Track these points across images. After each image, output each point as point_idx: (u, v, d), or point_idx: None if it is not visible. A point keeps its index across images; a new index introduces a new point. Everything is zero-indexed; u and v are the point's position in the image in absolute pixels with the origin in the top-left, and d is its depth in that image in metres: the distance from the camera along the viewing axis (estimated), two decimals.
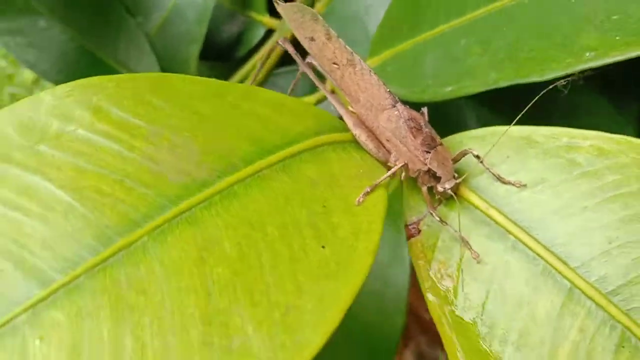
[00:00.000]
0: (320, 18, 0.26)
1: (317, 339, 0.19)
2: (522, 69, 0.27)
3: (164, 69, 0.45)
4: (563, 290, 0.22)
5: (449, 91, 0.29)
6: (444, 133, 0.27)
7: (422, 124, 0.25)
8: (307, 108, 0.26)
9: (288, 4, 0.27)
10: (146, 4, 0.45)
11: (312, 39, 0.26)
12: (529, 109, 0.23)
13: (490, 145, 0.25)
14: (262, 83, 0.43)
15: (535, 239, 0.23)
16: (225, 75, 0.47)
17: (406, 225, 0.25)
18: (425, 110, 0.27)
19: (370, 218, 0.23)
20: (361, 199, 0.23)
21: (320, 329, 0.19)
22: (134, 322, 0.18)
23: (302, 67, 0.28)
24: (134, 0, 0.45)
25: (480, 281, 0.23)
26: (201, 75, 0.26)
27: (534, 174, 0.24)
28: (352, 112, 0.27)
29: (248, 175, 0.22)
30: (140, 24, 0.44)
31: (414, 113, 0.26)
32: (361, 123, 0.26)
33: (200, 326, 0.18)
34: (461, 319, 0.23)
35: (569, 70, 0.25)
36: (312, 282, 0.20)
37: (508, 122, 0.24)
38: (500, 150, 0.25)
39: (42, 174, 0.20)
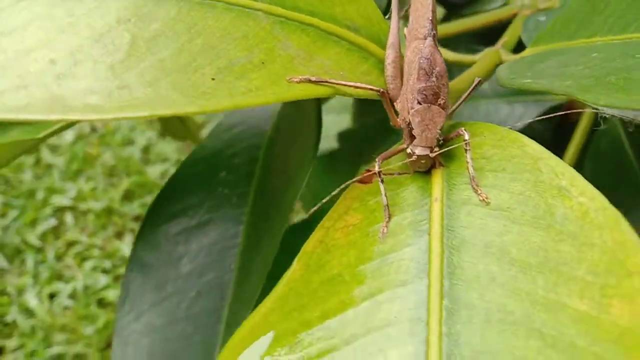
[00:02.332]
0: None
1: None
2: None
3: None
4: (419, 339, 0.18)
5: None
6: None
7: (436, 72, 0.21)
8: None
9: None
10: None
11: None
12: None
13: (504, 149, 0.21)
14: None
15: (446, 260, 0.19)
16: None
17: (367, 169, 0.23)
18: (477, 80, 0.22)
19: None
20: None
21: None
22: None
23: None
24: None
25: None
26: None
27: (506, 198, 0.19)
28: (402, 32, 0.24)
29: None
30: None
31: (439, 58, 0.22)
32: (398, 45, 0.23)
33: None
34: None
35: None
36: None
37: None
38: (503, 157, 0.20)
39: None
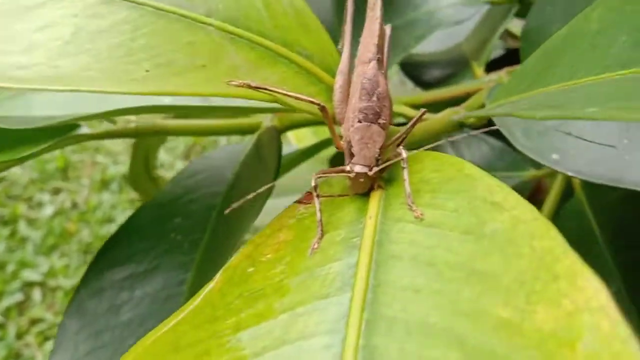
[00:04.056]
0: None
1: None
2: None
3: None
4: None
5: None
6: None
7: (377, 93, 0.21)
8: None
9: None
10: None
11: None
12: None
13: (443, 172, 0.20)
14: None
15: (372, 274, 0.18)
16: None
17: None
18: (422, 110, 0.22)
19: None
20: None
21: None
22: None
23: (350, 5, 0.26)
24: None
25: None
26: None
27: (439, 215, 0.18)
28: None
29: None
30: None
31: (382, 80, 0.22)
32: (347, 72, 0.24)
33: None
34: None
35: None
36: None
37: None
38: (441, 179, 0.20)
39: None
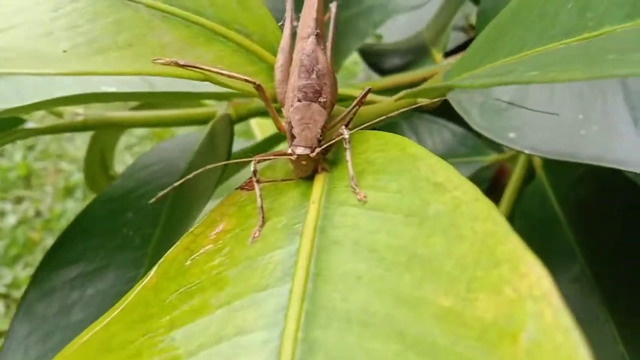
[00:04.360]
0: None
1: None
2: None
3: None
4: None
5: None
6: None
7: (317, 70, 0.20)
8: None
9: None
10: None
11: None
12: None
13: (387, 152, 0.19)
14: None
15: (313, 261, 0.17)
16: None
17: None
18: (367, 88, 0.21)
19: None
20: None
21: None
22: None
23: None
24: None
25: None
26: None
27: (382, 198, 0.18)
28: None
29: None
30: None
31: (321, 57, 0.21)
32: (289, 50, 0.22)
33: None
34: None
35: None
36: None
37: None
38: (385, 159, 0.19)
39: None
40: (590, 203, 0.35)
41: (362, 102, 0.21)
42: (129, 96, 0.31)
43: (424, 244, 0.15)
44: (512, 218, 0.38)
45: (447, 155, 0.43)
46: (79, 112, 0.37)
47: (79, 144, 1.46)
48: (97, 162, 0.55)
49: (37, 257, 1.23)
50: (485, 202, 0.15)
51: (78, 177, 1.38)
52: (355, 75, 1.02)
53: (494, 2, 0.37)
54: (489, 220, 0.15)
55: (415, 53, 0.49)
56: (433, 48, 0.48)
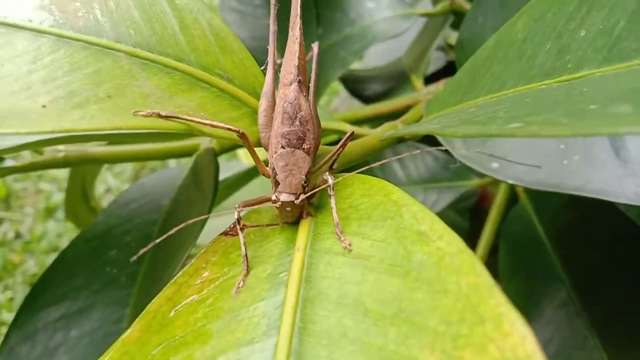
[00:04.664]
0: None
1: None
2: None
3: None
4: None
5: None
6: None
7: (300, 116, 0.20)
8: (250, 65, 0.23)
9: None
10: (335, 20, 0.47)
11: None
12: None
13: (372, 197, 0.19)
14: None
15: (299, 314, 0.16)
16: None
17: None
18: (350, 131, 0.21)
19: None
20: None
21: None
22: None
23: (271, 25, 0.25)
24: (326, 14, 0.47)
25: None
26: None
27: (367, 246, 0.17)
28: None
29: None
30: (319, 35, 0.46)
31: (304, 103, 0.21)
32: (272, 95, 0.22)
33: None
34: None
35: None
36: None
37: None
38: (369, 205, 0.19)
39: None
40: (575, 228, 0.35)
41: (345, 145, 0.21)
42: (112, 137, 0.30)
43: (409, 298, 0.15)
44: (497, 240, 0.38)
45: (430, 180, 0.43)
46: (60, 149, 0.37)
47: None
48: (79, 193, 0.54)
49: (18, 279, 1.21)
50: (468, 254, 0.15)
51: (58, 197, 1.36)
52: (337, 93, 1.02)
53: (472, 32, 0.37)
54: (472, 274, 0.15)
55: (396, 79, 0.50)
56: (413, 74, 0.48)
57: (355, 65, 0.60)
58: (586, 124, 0.13)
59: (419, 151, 0.23)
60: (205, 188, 0.32)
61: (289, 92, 0.21)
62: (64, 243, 1.26)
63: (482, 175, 0.41)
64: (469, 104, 0.25)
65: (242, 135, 0.20)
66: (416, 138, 0.32)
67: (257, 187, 0.55)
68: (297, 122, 0.20)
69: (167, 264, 0.30)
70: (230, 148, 0.37)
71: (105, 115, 0.17)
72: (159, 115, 0.19)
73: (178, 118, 0.19)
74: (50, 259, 1.22)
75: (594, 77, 0.17)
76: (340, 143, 0.21)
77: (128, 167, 1.42)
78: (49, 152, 0.37)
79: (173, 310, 0.18)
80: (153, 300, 0.19)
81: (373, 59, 0.57)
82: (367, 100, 0.49)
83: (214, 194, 0.31)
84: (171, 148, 0.38)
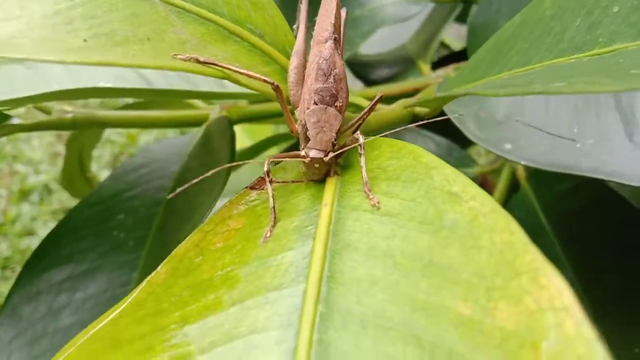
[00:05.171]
0: None
1: None
2: None
3: None
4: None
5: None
6: None
7: (334, 74, 0.21)
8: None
9: None
10: None
11: None
12: None
13: (400, 160, 0.19)
14: None
15: (327, 264, 0.17)
16: None
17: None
18: (379, 94, 0.21)
19: None
20: None
21: None
22: None
23: None
24: None
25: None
26: None
27: (396, 205, 0.18)
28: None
29: None
30: None
31: (338, 61, 0.21)
32: (303, 53, 0.22)
33: None
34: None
35: None
36: None
37: None
38: (398, 167, 0.19)
39: None
40: (576, 214, 0.36)
41: (372, 109, 0.22)
42: (125, 92, 0.30)
43: (440, 253, 0.16)
44: None
45: None
46: (68, 110, 0.36)
47: (35, 145, 1.42)
48: (76, 163, 0.54)
49: None
50: (503, 214, 0.16)
51: (34, 179, 1.33)
52: None
53: (485, 17, 0.38)
54: (506, 232, 0.15)
55: (402, 64, 0.50)
56: (419, 60, 0.49)
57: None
58: (630, 81, 0.13)
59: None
60: (220, 155, 0.32)
61: (324, 49, 0.21)
62: (39, 226, 1.24)
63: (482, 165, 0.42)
64: (491, 78, 0.25)
65: (276, 88, 0.20)
66: (430, 118, 0.32)
67: (247, 174, 0.54)
68: (331, 79, 0.20)
69: (182, 225, 0.30)
70: (237, 120, 0.37)
71: (146, 55, 0.17)
72: (198, 61, 0.19)
73: (216, 65, 0.19)
74: (25, 242, 1.20)
75: (628, 50, 0.18)
76: (370, 105, 0.21)
77: (106, 153, 1.40)
78: (57, 113, 0.36)
79: (200, 256, 0.18)
80: (179, 246, 0.19)
81: (376, 45, 0.57)
82: (372, 83, 0.50)
83: (231, 160, 0.31)
84: (179, 116, 0.38)
